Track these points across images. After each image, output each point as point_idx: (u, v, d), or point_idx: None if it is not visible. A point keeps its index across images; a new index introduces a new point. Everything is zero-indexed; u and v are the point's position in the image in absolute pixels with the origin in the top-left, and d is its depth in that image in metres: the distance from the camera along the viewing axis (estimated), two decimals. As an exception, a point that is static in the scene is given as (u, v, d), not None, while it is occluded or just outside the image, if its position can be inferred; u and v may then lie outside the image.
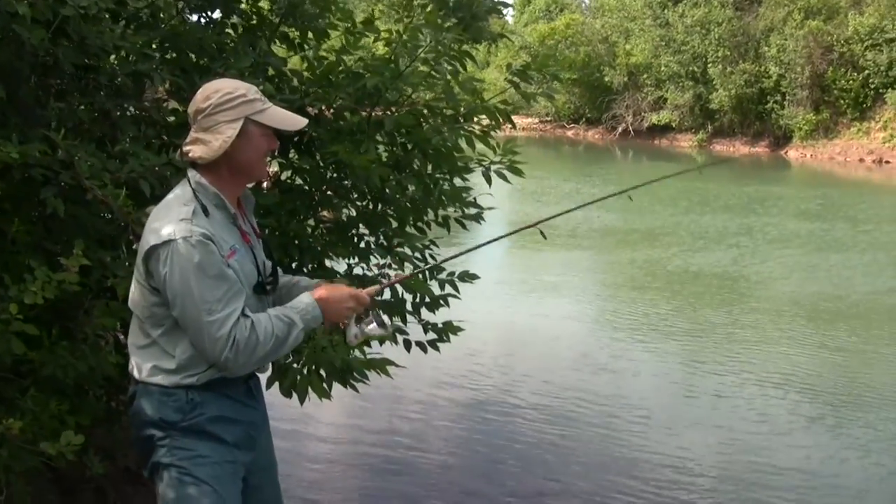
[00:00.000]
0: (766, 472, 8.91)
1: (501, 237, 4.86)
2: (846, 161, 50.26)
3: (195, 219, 3.60)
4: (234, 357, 3.56)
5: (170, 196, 3.79)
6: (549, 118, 69.34)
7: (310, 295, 3.83)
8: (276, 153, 5.04)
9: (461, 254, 4.94)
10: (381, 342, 5.76)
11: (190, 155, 3.74)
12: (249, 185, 4.19)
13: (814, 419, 10.52)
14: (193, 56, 6.15)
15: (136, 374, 3.82)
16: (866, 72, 51.90)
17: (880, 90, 51.42)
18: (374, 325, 3.91)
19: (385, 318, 3.95)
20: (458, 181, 6.55)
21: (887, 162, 49.10)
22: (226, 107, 3.70)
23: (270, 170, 6.50)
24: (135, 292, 3.81)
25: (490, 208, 6.72)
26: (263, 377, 4.52)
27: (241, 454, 3.86)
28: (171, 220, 3.61)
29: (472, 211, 6.61)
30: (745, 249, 22.23)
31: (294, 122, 3.88)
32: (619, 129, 63.54)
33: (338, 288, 3.93)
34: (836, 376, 12.35)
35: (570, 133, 67.92)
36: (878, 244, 23.20)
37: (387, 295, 6.33)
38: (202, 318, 3.53)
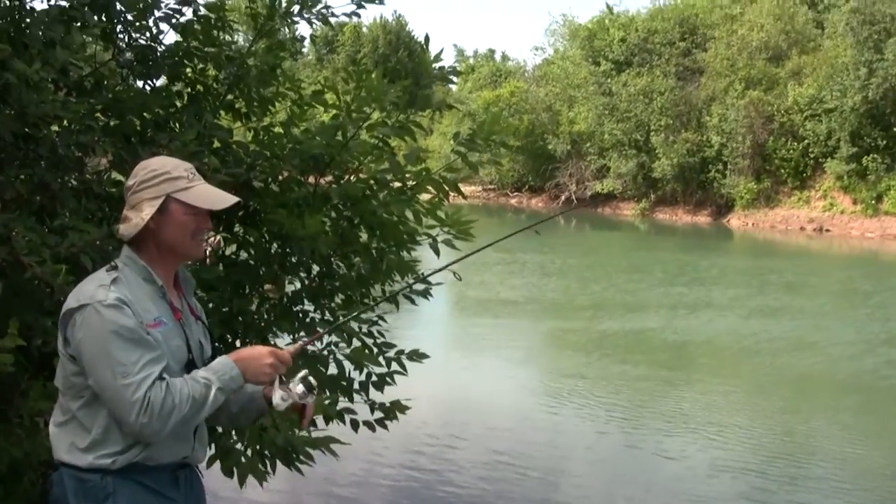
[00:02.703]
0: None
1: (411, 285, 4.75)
2: (787, 229, 51.13)
3: (113, 286, 3.51)
4: (148, 422, 3.41)
5: (99, 270, 3.68)
6: (492, 186, 69.78)
7: (226, 356, 3.69)
8: (216, 229, 4.91)
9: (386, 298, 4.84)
10: (328, 421, 5.65)
11: (118, 232, 3.69)
12: (188, 264, 4.06)
13: (749, 471, 10.75)
14: (137, 123, 6.03)
15: (54, 455, 3.67)
16: (806, 141, 52.97)
17: (819, 159, 52.47)
18: (301, 388, 3.75)
19: (312, 380, 3.81)
20: (405, 254, 6.46)
21: (827, 230, 50.02)
22: (149, 184, 3.64)
23: (214, 241, 6.39)
24: (59, 367, 3.68)
25: (438, 283, 6.62)
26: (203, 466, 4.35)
27: None
28: (89, 287, 3.53)
29: (420, 287, 6.49)
30: (682, 316, 22.38)
31: (220, 200, 3.74)
32: (563, 198, 64.13)
33: (255, 348, 3.82)
34: (774, 439, 12.57)
35: (513, 201, 68.44)
36: (812, 312, 23.51)
37: (333, 371, 6.23)
38: (117, 382, 3.40)
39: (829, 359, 18.08)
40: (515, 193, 69.57)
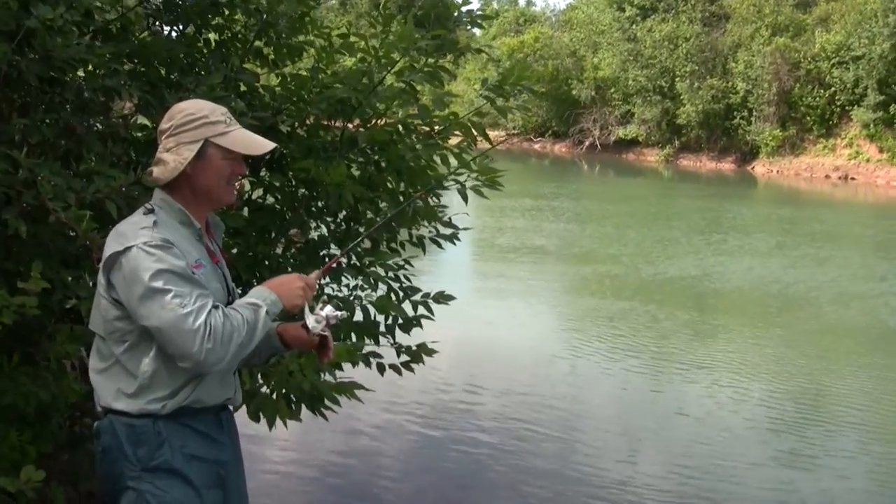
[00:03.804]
0: (726, 492, 8.90)
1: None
2: (812, 177, 50.88)
3: (156, 228, 3.50)
4: (212, 347, 3.38)
5: (133, 214, 3.67)
6: (516, 131, 69.47)
7: (260, 286, 3.72)
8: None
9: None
10: (354, 364, 5.65)
11: (151, 174, 3.67)
12: (217, 209, 4.04)
13: (776, 432, 10.63)
14: (163, 70, 6.00)
15: (99, 402, 3.66)
16: (832, 89, 52.51)
17: (846, 107, 52.06)
18: (329, 308, 3.82)
19: (338, 303, 3.88)
20: (432, 199, 6.42)
21: (852, 178, 49.78)
22: (186, 128, 3.61)
23: (239, 186, 6.36)
24: (96, 310, 3.67)
25: (465, 228, 6.59)
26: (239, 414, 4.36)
27: (209, 496, 3.67)
28: (131, 230, 3.51)
29: (447, 231, 6.46)
30: (712, 265, 22.38)
31: (258, 146, 3.72)
32: (587, 143, 63.95)
33: (283, 276, 3.84)
34: (800, 388, 12.52)
35: (537, 146, 68.13)
36: (842, 262, 23.46)
37: (359, 317, 6.21)
38: (176, 312, 3.37)
39: (865, 311, 17.92)
40: (539, 139, 69.24)
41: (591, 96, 63.41)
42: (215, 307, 3.46)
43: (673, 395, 11.90)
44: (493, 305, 17.22)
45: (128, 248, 3.44)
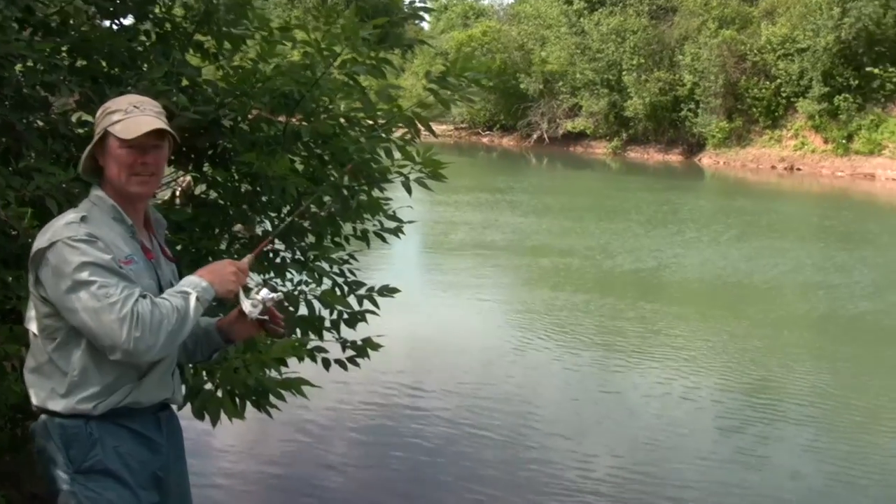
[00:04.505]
0: (676, 488, 8.90)
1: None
2: (758, 168, 51.44)
3: (83, 223, 3.48)
4: (141, 335, 3.35)
5: (66, 212, 3.65)
6: (464, 125, 69.53)
7: (191, 274, 3.68)
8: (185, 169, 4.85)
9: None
10: (300, 360, 5.63)
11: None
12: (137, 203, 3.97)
13: (727, 428, 10.65)
14: (104, 64, 5.95)
15: (33, 402, 3.63)
16: (778, 81, 52.99)
17: (791, 99, 52.62)
18: (265, 291, 3.78)
19: (276, 288, 3.83)
20: (376, 192, 6.41)
21: (798, 169, 50.40)
22: (97, 121, 3.66)
23: (184, 182, 6.33)
24: (29, 308, 3.65)
25: (410, 221, 6.59)
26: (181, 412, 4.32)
27: (146, 496, 3.64)
28: (57, 226, 3.50)
29: (392, 224, 6.46)
30: (664, 254, 22.55)
31: (139, 128, 3.57)
32: (535, 136, 64.13)
33: (214, 262, 3.82)
34: (754, 381, 12.57)
35: (485, 140, 68.35)
36: (788, 251, 23.69)
37: (303, 311, 6.20)
38: (101, 302, 3.35)
39: (821, 302, 18.12)
40: (487, 132, 69.39)
41: (539, 89, 63.58)
42: (143, 296, 3.43)
43: (626, 390, 11.90)
44: (447, 300, 17.27)
45: (53, 244, 3.43)
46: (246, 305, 3.75)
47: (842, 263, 22.21)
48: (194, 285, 3.59)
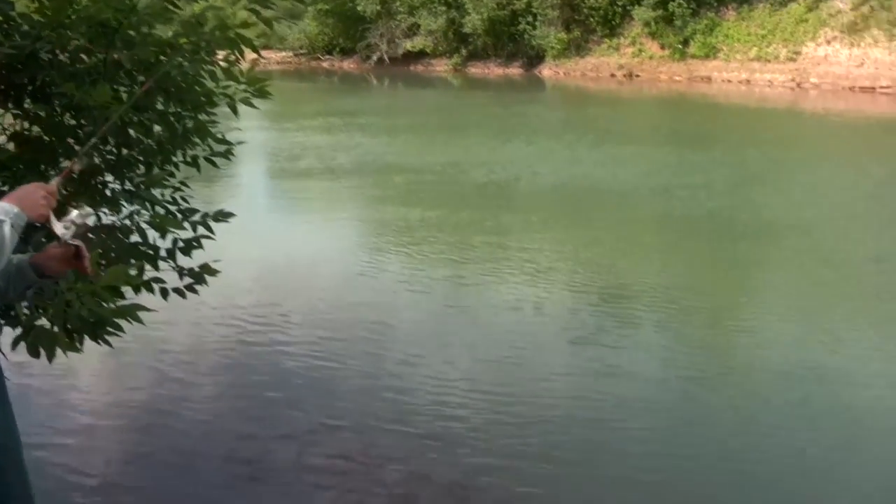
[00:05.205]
0: (532, 404, 8.90)
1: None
2: (598, 77, 52.08)
3: None
4: None
5: None
6: (303, 51, 68.75)
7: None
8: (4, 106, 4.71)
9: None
10: (136, 290, 5.55)
11: None
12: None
13: (580, 341, 10.71)
14: None
15: None
16: (614, -10, 53.37)
17: (627, 7, 53.10)
18: (76, 213, 3.74)
19: (86, 208, 3.78)
20: (203, 117, 6.32)
21: (637, 75, 51.25)
22: None
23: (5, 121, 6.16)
24: None
25: (240, 143, 6.52)
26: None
27: None
28: None
29: (221, 148, 6.39)
30: (517, 166, 22.78)
31: None
32: (375, 58, 63.75)
33: (22, 186, 3.70)
34: (600, 276, 13.03)
35: (325, 64, 67.71)
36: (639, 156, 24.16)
37: (136, 238, 6.12)
38: None
39: (670, 200, 18.58)
40: (327, 57, 68.73)
41: (377, 10, 63.09)
42: None
43: (479, 306, 11.83)
44: (298, 225, 17.33)
45: None
46: (58, 228, 3.68)
47: (697, 163, 22.80)
48: (5, 212, 3.48)
